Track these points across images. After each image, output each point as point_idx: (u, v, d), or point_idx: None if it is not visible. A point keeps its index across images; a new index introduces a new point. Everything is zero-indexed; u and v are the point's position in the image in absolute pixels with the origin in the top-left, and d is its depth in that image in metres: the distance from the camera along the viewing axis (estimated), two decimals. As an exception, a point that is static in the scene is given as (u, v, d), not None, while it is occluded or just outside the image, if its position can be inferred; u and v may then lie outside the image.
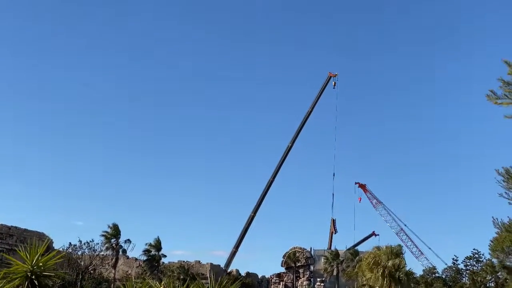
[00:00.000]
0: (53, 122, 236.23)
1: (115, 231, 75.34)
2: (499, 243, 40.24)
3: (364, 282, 41.84)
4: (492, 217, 43.00)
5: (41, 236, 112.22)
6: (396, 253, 40.43)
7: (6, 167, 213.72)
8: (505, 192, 34.32)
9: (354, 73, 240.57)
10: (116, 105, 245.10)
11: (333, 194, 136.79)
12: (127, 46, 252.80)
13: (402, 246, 51.69)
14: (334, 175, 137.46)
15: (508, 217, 42.16)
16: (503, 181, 34.31)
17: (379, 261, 39.94)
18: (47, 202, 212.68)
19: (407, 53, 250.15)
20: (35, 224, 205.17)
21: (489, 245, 42.71)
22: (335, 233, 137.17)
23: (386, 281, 38.86)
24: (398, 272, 39.15)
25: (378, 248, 42.09)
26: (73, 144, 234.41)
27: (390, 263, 38.88)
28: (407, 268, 41.38)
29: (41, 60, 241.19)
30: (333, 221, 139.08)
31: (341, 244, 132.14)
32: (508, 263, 41.38)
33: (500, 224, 41.54)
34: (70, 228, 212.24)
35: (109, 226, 75.86)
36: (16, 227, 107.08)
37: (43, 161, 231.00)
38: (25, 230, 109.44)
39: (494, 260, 42.64)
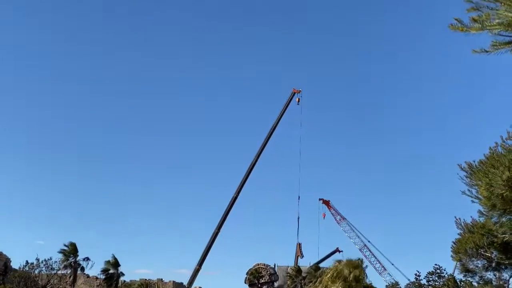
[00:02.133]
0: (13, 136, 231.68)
1: (73, 249, 73.66)
2: (462, 245, 38.57)
3: (326, 296, 41.32)
4: (455, 217, 41.28)
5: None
6: (357, 265, 40.07)
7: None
8: (468, 190, 33.17)
9: (318, 87, 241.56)
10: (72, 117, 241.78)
11: (298, 218, 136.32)
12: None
13: (365, 262, 51.42)
14: (299, 198, 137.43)
15: (471, 217, 40.50)
16: (466, 176, 33.12)
17: (341, 275, 39.58)
18: (5, 220, 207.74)
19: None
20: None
21: (451, 247, 40.90)
22: (301, 258, 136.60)
23: (346, 292, 38.48)
24: (357, 284, 38.72)
25: (339, 261, 41.75)
26: (32, 161, 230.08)
27: (351, 276, 38.52)
28: (367, 281, 41.03)
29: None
30: (299, 245, 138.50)
31: (305, 261, 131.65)
32: (471, 266, 40.00)
33: (463, 225, 39.94)
34: (31, 248, 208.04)
35: (65, 245, 74.20)
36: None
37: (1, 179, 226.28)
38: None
39: (456, 263, 40.60)
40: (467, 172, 33.06)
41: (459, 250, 38.58)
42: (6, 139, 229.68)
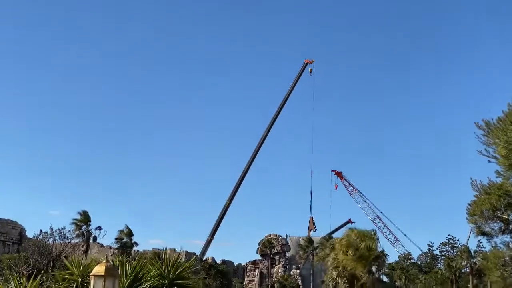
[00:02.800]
0: (28, 112, 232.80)
1: (85, 218, 74.21)
2: (478, 207, 36.75)
3: (336, 264, 41.31)
4: (471, 178, 39.72)
5: (13, 225, 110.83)
6: (369, 235, 39.99)
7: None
8: (485, 149, 32.01)
9: (331, 55, 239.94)
10: (87, 91, 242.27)
11: (311, 192, 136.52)
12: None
13: (378, 233, 51.23)
14: (312, 172, 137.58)
15: (488, 177, 38.80)
16: (483, 135, 32.00)
17: (352, 243, 39.58)
18: (21, 190, 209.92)
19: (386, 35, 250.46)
20: (8, 214, 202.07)
21: (466, 209, 39.04)
22: (314, 231, 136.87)
23: (359, 262, 38.38)
24: (369, 254, 38.61)
25: (351, 230, 41.76)
26: (47, 134, 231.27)
27: (363, 245, 38.44)
28: (380, 250, 41.09)
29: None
30: (312, 219, 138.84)
31: (318, 233, 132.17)
32: (487, 229, 38.52)
33: (478, 186, 38.28)
34: (46, 218, 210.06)
35: (79, 213, 74.72)
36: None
37: (17, 149, 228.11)
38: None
39: (471, 226, 38.24)
40: (484, 131, 31.94)
41: (475, 212, 37.13)
42: (20, 109, 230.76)
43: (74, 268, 14.84)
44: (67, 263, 15.76)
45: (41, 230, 78.18)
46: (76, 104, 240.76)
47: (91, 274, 11.57)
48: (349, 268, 39.62)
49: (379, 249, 41.17)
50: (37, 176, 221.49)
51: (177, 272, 15.39)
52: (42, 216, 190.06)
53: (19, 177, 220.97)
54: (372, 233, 40.05)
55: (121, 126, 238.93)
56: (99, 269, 11.45)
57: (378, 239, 41.98)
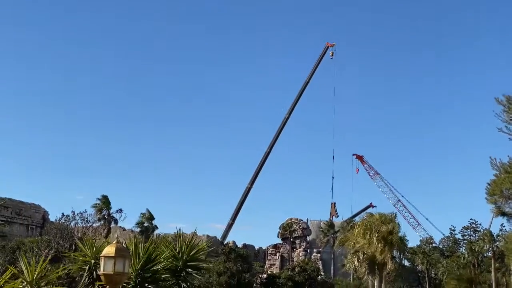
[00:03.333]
0: (52, 97, 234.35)
1: (105, 202, 74.73)
2: (497, 186, 35.26)
3: (357, 248, 40.86)
4: (490, 157, 38.33)
5: (36, 209, 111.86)
6: (390, 219, 39.41)
7: (6, 141, 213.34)
8: (505, 126, 30.95)
9: (353, 37, 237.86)
10: (106, 80, 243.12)
11: (332, 178, 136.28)
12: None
13: (399, 217, 50.76)
14: (333, 158, 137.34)
15: (508, 156, 37.35)
16: (504, 111, 30.94)
17: (372, 227, 39.11)
18: (48, 175, 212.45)
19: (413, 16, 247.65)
20: (34, 197, 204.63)
21: (485, 189, 37.70)
22: (336, 217, 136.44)
23: (380, 246, 37.87)
24: (391, 237, 38.08)
25: (371, 214, 41.27)
26: (70, 120, 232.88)
27: (383, 228, 37.93)
28: (401, 234, 40.51)
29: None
30: (334, 205, 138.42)
31: (339, 217, 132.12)
32: (507, 209, 37.32)
33: (499, 165, 36.88)
34: (70, 203, 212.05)
35: (98, 199, 75.34)
36: (11, 199, 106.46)
37: (41, 135, 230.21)
38: (20, 202, 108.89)
39: (491, 206, 36.67)
40: (504, 106, 30.96)
41: (494, 192, 35.95)
42: (47, 96, 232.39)
43: (87, 249, 14.71)
44: (80, 244, 15.63)
45: (63, 214, 78.81)
46: (98, 91, 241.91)
47: (101, 255, 11.43)
48: (369, 252, 39.17)
49: (400, 233, 40.75)
50: (63, 160, 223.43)
51: (191, 254, 15.17)
52: (68, 201, 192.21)
53: (45, 162, 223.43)
54: (392, 216, 39.44)
55: (145, 110, 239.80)
56: (109, 250, 11.27)
57: (399, 223, 41.43)
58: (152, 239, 75.95)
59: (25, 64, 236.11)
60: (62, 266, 16.92)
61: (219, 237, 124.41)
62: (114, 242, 11.46)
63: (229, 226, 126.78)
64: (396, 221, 40.83)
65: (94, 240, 16.15)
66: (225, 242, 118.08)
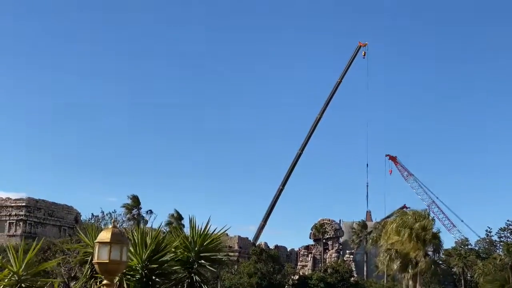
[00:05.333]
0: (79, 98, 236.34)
1: (135, 202, 74.24)
2: None
3: (390, 247, 39.30)
4: None
5: (69, 210, 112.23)
6: (423, 216, 37.80)
7: (39, 141, 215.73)
8: None
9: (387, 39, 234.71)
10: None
11: (367, 185, 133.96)
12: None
13: (434, 219, 48.83)
14: (367, 166, 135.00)
15: None
16: None
17: (406, 224, 37.54)
18: (81, 178, 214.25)
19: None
20: (66, 199, 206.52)
21: None
22: None
23: (413, 243, 36.29)
24: (424, 233, 36.45)
25: (404, 212, 39.69)
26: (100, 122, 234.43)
27: (417, 225, 36.35)
28: (435, 229, 38.84)
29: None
30: (369, 214, 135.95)
31: (372, 217, 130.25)
32: None
33: None
34: (103, 204, 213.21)
35: (129, 197, 74.86)
36: (44, 200, 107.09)
37: (77, 139, 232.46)
38: (53, 203, 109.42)
39: None
40: None
41: None
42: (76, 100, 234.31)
43: (90, 238, 13.56)
44: (81, 234, 14.54)
45: (92, 214, 78.61)
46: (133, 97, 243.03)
47: (95, 241, 10.32)
48: (402, 250, 37.57)
49: (435, 229, 39.08)
50: (96, 164, 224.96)
51: (204, 244, 13.89)
52: (100, 203, 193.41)
53: (79, 164, 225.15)
54: (426, 212, 37.80)
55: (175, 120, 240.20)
56: (105, 236, 10.15)
57: (434, 219, 39.76)
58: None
59: (57, 73, 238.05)
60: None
61: (251, 239, 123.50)
62: (111, 226, 10.34)
63: (261, 227, 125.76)
64: (431, 217, 39.28)
65: (96, 228, 14.97)
66: (257, 243, 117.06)
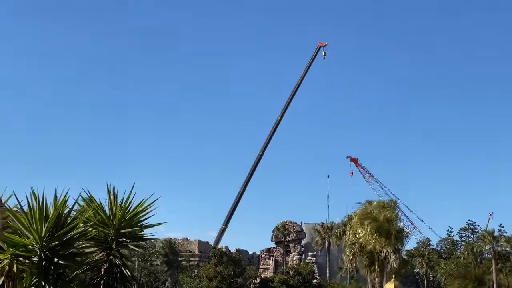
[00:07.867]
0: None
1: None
2: None
3: (354, 241, 36.87)
4: None
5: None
6: (388, 206, 35.60)
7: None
8: None
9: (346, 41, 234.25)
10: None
11: (328, 196, 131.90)
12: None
13: (398, 214, 46.89)
14: (328, 176, 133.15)
15: None
16: None
17: (370, 216, 35.24)
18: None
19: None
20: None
21: None
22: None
23: (377, 236, 33.87)
24: (390, 226, 34.10)
25: (369, 202, 37.47)
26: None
27: (381, 216, 34.10)
28: (399, 224, 36.53)
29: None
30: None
31: (334, 218, 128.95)
32: None
33: None
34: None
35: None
36: None
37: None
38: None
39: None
40: None
41: None
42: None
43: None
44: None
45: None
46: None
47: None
48: (368, 245, 35.08)
49: (400, 224, 36.80)
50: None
51: (127, 218, 10.94)
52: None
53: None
54: (393, 202, 35.67)
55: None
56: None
57: (399, 211, 37.63)
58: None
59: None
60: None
61: (211, 243, 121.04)
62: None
63: (222, 231, 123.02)
64: (397, 207, 37.11)
65: None
66: (218, 247, 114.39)
